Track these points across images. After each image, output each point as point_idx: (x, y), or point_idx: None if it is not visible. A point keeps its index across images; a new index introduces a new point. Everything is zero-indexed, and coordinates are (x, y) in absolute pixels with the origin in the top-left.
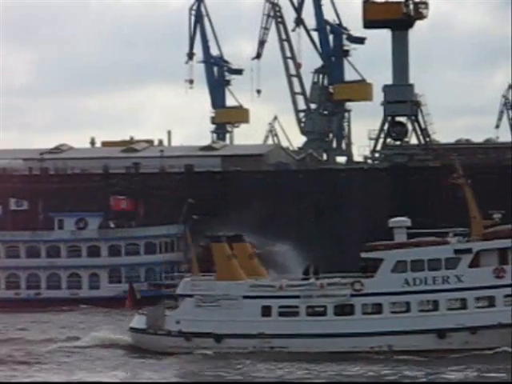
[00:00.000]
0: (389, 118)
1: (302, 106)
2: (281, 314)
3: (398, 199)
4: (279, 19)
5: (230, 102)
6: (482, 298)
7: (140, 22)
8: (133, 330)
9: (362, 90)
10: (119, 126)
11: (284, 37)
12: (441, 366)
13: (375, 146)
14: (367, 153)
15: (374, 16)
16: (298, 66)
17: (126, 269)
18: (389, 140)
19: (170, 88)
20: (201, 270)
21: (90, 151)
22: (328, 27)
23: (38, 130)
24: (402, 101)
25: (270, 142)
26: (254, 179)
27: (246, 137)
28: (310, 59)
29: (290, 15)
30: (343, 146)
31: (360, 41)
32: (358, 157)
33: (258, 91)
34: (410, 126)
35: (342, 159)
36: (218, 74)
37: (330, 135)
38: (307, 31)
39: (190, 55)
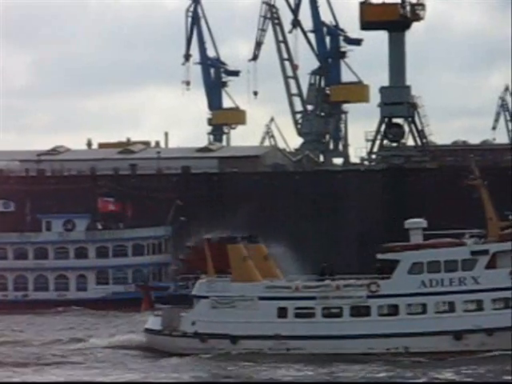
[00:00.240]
0: (385, 120)
1: (298, 107)
2: (297, 316)
3: (394, 201)
4: (276, 21)
5: (226, 103)
6: (498, 300)
7: (137, 24)
8: (148, 331)
9: (358, 91)
10: (116, 127)
11: (281, 38)
12: (456, 367)
13: (372, 147)
14: (364, 154)
15: (371, 17)
16: (294, 67)
17: (114, 270)
18: (385, 141)
19: (166, 89)
20: (190, 271)
21: (86, 153)
22: (325, 29)
23: (36, 131)
24: (398, 102)
25: (266, 143)
26: (250, 181)
27: (242, 138)
28: (307, 61)
29: (286, 17)
30: (340, 147)
31: (357, 42)
32: (354, 158)
33: (255, 93)
34: (406, 128)
35: (338, 161)
36: (215, 76)
37: (327, 137)
38: (304, 33)
39: (187, 57)
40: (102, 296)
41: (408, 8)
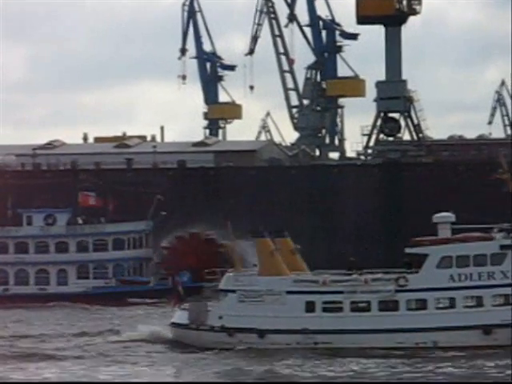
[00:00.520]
0: (382, 114)
1: (294, 101)
2: (324, 310)
3: (390, 195)
4: (272, 15)
5: (222, 97)
6: None
7: (133, 18)
8: (174, 325)
9: (354, 85)
10: (112, 121)
11: (277, 33)
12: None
13: (368, 141)
14: (360, 149)
15: (367, 12)
16: (290, 61)
17: (94, 265)
18: (382, 136)
19: (162, 84)
20: (169, 272)
21: (82, 147)
22: (321, 23)
23: (33, 125)
24: (394, 97)
25: (262, 137)
26: (246, 175)
27: (238, 133)
28: (303, 55)
29: (282, 11)
30: (336, 141)
31: (353, 37)
32: (350, 153)
33: (251, 87)
34: (402, 122)
35: (334, 155)
36: (211, 70)
37: (323, 131)
38: (300, 27)
39: (183, 51)
40: (83, 290)
41: (404, 2)
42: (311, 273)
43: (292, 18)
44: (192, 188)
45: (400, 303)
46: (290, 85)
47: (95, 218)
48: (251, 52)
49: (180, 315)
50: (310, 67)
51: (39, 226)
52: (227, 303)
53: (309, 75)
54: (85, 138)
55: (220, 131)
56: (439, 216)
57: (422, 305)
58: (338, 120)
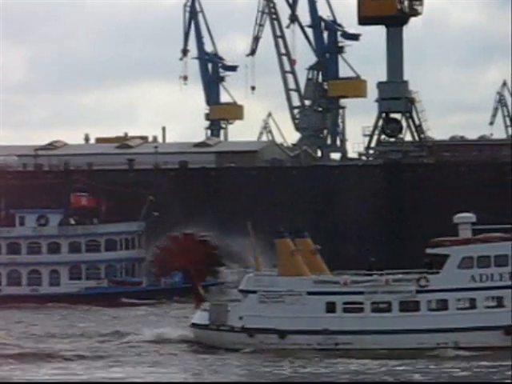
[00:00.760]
0: (383, 115)
1: (296, 102)
2: (345, 310)
3: (392, 196)
4: (274, 16)
5: (224, 98)
6: None
7: (135, 19)
8: (195, 325)
9: (356, 86)
10: (113, 122)
11: (278, 33)
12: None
13: (369, 142)
14: (361, 149)
15: (369, 12)
16: (292, 62)
17: (87, 265)
18: (383, 137)
19: (164, 84)
20: (159, 272)
21: (84, 147)
22: (322, 24)
23: (34, 126)
24: (396, 97)
25: (264, 138)
26: (248, 176)
27: (240, 133)
28: (305, 56)
29: (284, 12)
30: (337, 142)
31: (354, 37)
32: (352, 153)
33: (253, 88)
34: (404, 123)
35: (336, 156)
36: (213, 71)
37: (325, 132)
38: (302, 28)
39: (185, 52)
40: (75, 291)
41: (406, 3)
42: (331, 273)
43: (293, 18)
44: (193, 188)
45: (421, 304)
46: (292, 85)
47: (88, 219)
48: (253, 52)
49: (200, 316)
50: (311, 68)
51: (32, 226)
52: (248, 304)
53: (310, 76)
54: (86, 139)
55: (221, 132)
56: (460, 216)
57: (442, 305)
58: (340, 121)
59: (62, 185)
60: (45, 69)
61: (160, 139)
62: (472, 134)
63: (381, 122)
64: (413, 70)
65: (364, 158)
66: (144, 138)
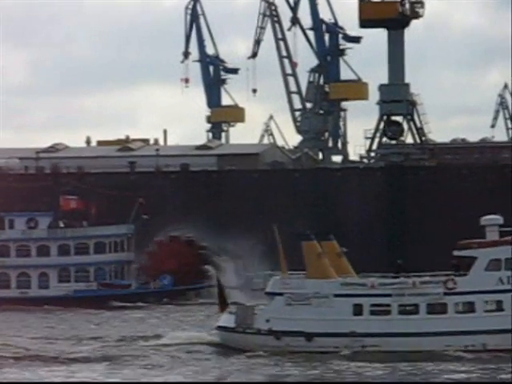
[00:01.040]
0: (384, 118)
1: (297, 105)
2: (372, 313)
3: (393, 198)
4: (275, 18)
5: (225, 101)
6: None
7: (136, 22)
8: (221, 328)
9: (357, 89)
10: (115, 125)
11: (280, 36)
12: None
13: (371, 145)
14: (363, 152)
15: (370, 15)
16: (293, 65)
17: (76, 268)
18: (384, 139)
19: (165, 87)
20: (154, 275)
21: (85, 150)
22: (324, 26)
23: (35, 129)
24: (397, 100)
25: (265, 141)
26: (249, 178)
27: (241, 136)
28: (306, 58)
29: (285, 14)
30: (339, 145)
31: (356, 40)
32: (353, 156)
33: (254, 90)
34: (405, 126)
35: (337, 158)
36: (214, 73)
37: (326, 134)
38: (303, 30)
39: (186, 54)
40: (64, 294)
41: (407, 6)
42: (358, 276)
43: (295, 21)
44: (195, 191)
45: (448, 306)
46: (293, 88)
47: (77, 222)
48: (254, 55)
49: (226, 318)
50: (312, 70)
51: (21, 229)
52: (274, 306)
53: (312, 78)
54: (88, 142)
55: (223, 134)
56: (487, 218)
57: (470, 307)
58: (341, 123)
59: (51, 188)
60: (46, 71)
61: (161, 142)
62: (473, 137)
63: (382, 125)
64: (414, 72)
65: (365, 160)
66: (145, 141)
